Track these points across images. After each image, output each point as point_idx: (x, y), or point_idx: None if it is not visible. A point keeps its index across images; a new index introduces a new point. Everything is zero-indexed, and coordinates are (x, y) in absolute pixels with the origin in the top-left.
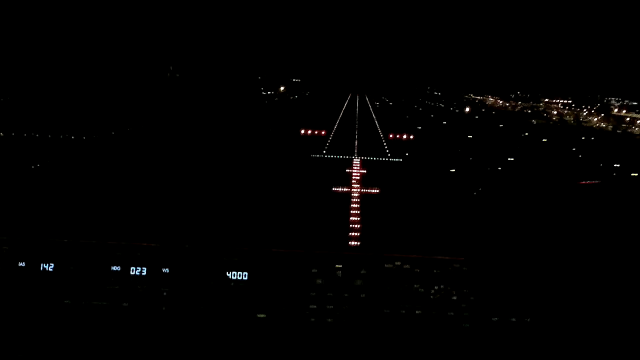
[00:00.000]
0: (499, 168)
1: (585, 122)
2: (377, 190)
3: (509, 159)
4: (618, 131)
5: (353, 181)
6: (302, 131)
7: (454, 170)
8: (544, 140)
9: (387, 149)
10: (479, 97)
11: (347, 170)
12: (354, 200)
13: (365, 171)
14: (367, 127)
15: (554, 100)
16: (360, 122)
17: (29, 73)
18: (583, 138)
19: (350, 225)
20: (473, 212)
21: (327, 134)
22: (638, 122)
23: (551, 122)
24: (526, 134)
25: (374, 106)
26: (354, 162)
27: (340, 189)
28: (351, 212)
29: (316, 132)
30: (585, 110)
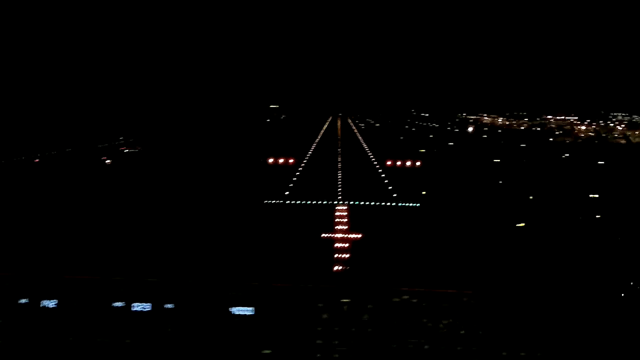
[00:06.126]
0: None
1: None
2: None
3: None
4: None
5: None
6: (271, 160)
7: (522, 224)
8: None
9: (388, 185)
10: (472, 117)
11: (322, 235)
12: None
13: (360, 236)
14: (354, 153)
15: (558, 117)
16: (344, 148)
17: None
18: None
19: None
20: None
21: (296, 163)
22: None
23: (579, 140)
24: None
25: (358, 128)
26: (337, 213)
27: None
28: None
29: (282, 161)
30: (605, 125)
